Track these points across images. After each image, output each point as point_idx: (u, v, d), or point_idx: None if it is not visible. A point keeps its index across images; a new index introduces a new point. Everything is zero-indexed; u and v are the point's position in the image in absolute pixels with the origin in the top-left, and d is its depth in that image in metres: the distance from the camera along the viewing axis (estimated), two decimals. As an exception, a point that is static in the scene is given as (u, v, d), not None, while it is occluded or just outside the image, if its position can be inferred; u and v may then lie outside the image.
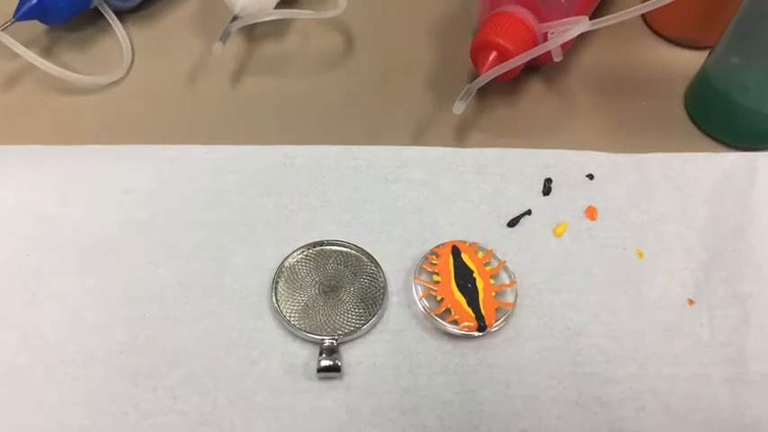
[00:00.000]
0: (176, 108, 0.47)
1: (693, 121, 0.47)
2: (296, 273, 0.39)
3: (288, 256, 0.40)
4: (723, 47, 0.44)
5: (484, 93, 0.46)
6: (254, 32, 0.52)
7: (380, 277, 0.39)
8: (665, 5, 0.42)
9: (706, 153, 0.45)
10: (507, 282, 0.39)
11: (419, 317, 0.38)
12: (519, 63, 0.43)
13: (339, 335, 0.37)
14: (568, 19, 0.44)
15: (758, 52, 0.42)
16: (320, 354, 0.37)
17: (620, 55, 0.51)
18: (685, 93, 0.49)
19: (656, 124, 0.47)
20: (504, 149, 0.45)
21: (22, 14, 0.46)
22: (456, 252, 0.40)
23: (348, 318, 0.38)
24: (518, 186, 0.43)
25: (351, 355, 0.37)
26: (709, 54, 0.46)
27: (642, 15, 0.53)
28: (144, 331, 0.37)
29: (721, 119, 0.46)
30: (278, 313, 0.38)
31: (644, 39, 0.52)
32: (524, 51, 0.43)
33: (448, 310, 0.38)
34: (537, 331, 0.38)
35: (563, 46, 0.44)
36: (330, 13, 0.48)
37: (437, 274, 0.39)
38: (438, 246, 0.40)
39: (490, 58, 0.44)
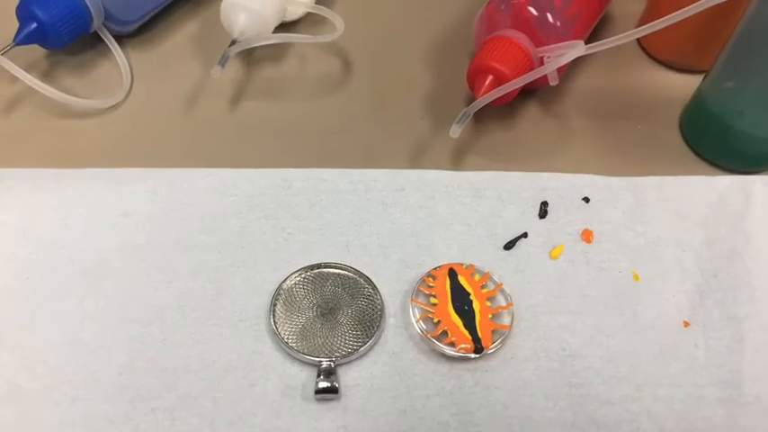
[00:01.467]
0: (175, 131, 0.49)
1: (688, 145, 0.49)
2: (294, 295, 0.41)
3: (286, 279, 0.41)
4: (718, 71, 0.46)
5: (480, 116, 0.48)
6: (252, 56, 0.53)
7: (378, 299, 0.41)
8: (660, 30, 0.43)
9: (701, 176, 0.47)
10: (504, 304, 0.41)
11: (416, 339, 0.40)
12: (515, 87, 0.45)
13: (337, 357, 0.38)
14: (564, 43, 0.46)
15: (753, 76, 0.44)
16: (318, 375, 0.38)
17: (616, 79, 0.53)
18: (680, 116, 0.50)
19: (652, 148, 0.49)
20: (501, 173, 0.46)
21: (22, 39, 0.47)
22: (453, 274, 0.41)
23: (345, 340, 0.39)
24: (514, 209, 0.45)
25: (348, 377, 0.38)
26: (704, 78, 0.48)
27: (637, 39, 0.55)
28: (143, 353, 0.39)
29: (716, 142, 0.48)
30: (276, 335, 0.39)
31: (639, 63, 0.54)
32: (521, 75, 0.45)
33: (445, 332, 0.39)
34: (533, 353, 0.40)
35: (559, 70, 0.46)
36: (328, 38, 0.49)
37: (434, 296, 0.41)
38: (435, 268, 0.42)
39: (487, 82, 0.45)
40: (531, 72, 0.45)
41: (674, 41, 0.52)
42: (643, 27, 0.43)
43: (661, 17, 0.43)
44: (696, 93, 0.49)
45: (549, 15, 0.46)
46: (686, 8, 0.42)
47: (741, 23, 0.43)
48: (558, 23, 0.46)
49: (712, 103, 0.47)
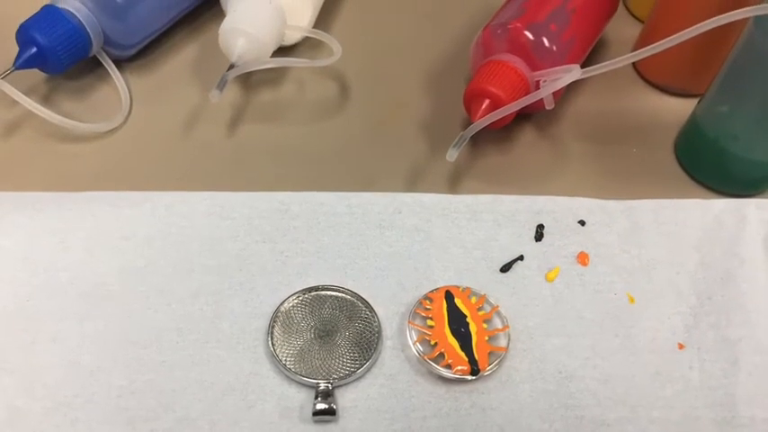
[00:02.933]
0: (174, 155, 0.50)
1: (683, 168, 0.51)
2: (291, 317, 0.42)
3: (283, 301, 0.43)
4: (712, 95, 0.48)
5: (477, 140, 0.50)
6: (250, 81, 0.55)
7: (375, 322, 0.42)
8: (655, 54, 0.45)
9: (696, 200, 0.48)
10: (500, 326, 0.42)
11: (413, 361, 0.41)
12: (511, 111, 0.46)
13: (334, 378, 0.40)
14: (560, 67, 0.47)
15: (747, 101, 0.46)
16: (315, 397, 0.39)
17: (612, 103, 0.55)
18: (675, 140, 0.52)
19: (647, 171, 0.51)
20: (497, 196, 0.48)
21: (22, 63, 0.49)
22: (449, 297, 0.43)
23: (343, 362, 0.41)
24: (510, 232, 0.47)
25: (346, 399, 0.40)
26: (699, 102, 0.50)
27: (633, 64, 0.57)
28: (142, 375, 0.40)
29: (711, 166, 0.50)
30: (274, 357, 0.40)
31: (635, 87, 0.56)
32: (517, 99, 0.47)
33: (441, 355, 0.41)
34: (529, 375, 0.41)
35: (555, 94, 0.48)
36: (325, 62, 0.51)
37: (431, 318, 0.42)
38: (432, 291, 0.43)
39: (483, 106, 0.47)
40: (527, 96, 0.46)
41: (669, 66, 0.54)
42: (638, 51, 0.45)
43: (656, 42, 0.45)
44: (691, 117, 0.50)
45: (544, 40, 0.48)
46: (679, 33, 0.43)
47: (735, 48, 0.45)
48: (554, 48, 0.48)
49: (707, 128, 0.48)
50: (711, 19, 0.42)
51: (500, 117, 0.46)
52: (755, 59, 0.44)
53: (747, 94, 0.45)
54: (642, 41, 0.56)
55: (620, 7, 0.54)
